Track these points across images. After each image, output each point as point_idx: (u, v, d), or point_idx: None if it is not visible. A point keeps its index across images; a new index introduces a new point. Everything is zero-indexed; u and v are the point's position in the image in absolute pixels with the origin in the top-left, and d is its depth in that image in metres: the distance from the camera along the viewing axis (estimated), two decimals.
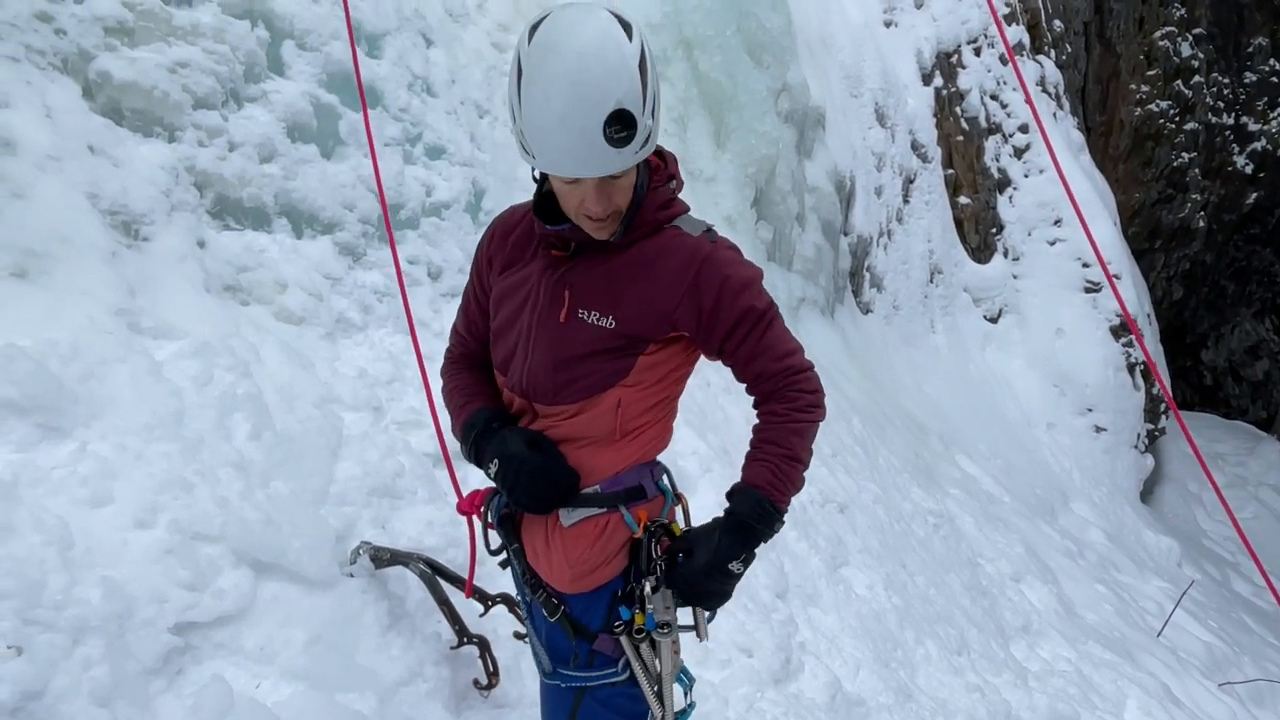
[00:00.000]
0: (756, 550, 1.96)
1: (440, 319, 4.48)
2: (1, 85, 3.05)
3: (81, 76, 3.36)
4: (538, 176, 1.93)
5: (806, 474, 1.98)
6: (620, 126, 1.64)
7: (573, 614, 2.05)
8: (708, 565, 1.91)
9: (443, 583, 3.00)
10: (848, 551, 5.80)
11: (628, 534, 2.01)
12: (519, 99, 1.69)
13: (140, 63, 3.51)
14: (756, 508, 1.90)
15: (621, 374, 1.91)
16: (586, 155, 1.67)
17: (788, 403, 1.92)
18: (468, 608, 3.00)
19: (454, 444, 2.37)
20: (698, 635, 2.05)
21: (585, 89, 1.62)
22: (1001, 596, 7.33)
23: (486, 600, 3.01)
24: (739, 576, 1.94)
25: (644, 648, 2.01)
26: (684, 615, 2.04)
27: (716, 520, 1.95)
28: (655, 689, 2.02)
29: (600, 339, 1.88)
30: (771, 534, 1.94)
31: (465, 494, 2.30)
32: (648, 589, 1.94)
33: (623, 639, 2.00)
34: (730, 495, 1.96)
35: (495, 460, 1.98)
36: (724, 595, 1.97)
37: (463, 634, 3.00)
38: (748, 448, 1.98)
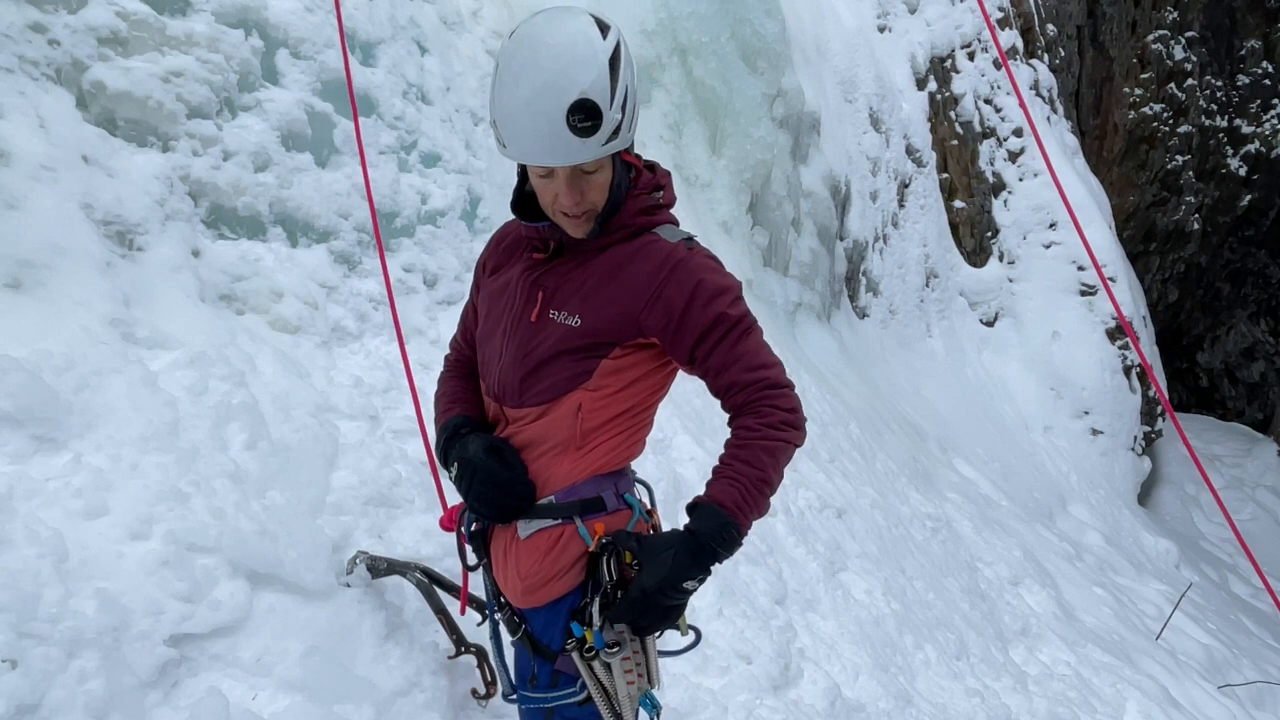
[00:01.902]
0: (713, 569, 1.85)
1: (436, 326, 4.47)
2: None
3: (75, 86, 3.35)
4: (519, 171, 1.96)
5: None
6: (584, 116, 1.68)
7: (532, 632, 2.02)
8: (660, 584, 1.79)
9: (440, 592, 2.99)
10: (846, 557, 5.79)
11: (583, 547, 1.95)
12: (493, 89, 1.76)
13: (134, 72, 3.50)
14: (721, 531, 1.79)
15: (583, 377, 1.89)
16: (551, 143, 1.71)
17: (760, 417, 1.83)
18: (466, 618, 2.99)
19: None
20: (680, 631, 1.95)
21: (550, 75, 1.67)
22: (1000, 600, 7.32)
23: (484, 610, 2.99)
24: (690, 594, 1.85)
25: (597, 667, 1.93)
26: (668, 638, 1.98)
27: (675, 534, 1.84)
28: (616, 710, 1.94)
29: (566, 338, 1.88)
30: (728, 555, 1.83)
31: (449, 507, 2.30)
32: (595, 607, 1.87)
33: (574, 656, 1.94)
34: (692, 509, 1.85)
35: (455, 465, 1.99)
36: (669, 617, 1.87)
37: (460, 643, 2.99)
38: (717, 462, 1.88)
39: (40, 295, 2.85)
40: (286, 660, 2.59)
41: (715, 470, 1.87)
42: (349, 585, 2.92)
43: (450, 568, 3.20)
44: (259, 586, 2.68)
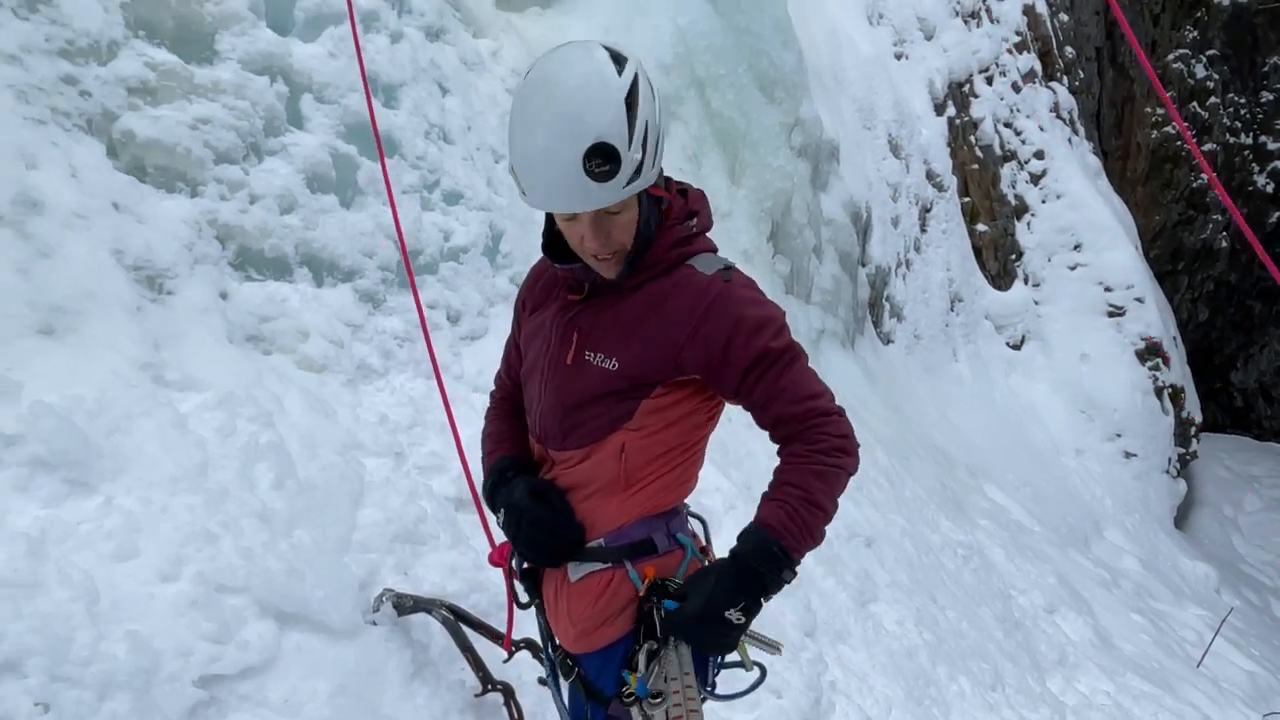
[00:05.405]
0: (762, 600, 1.77)
1: (460, 363, 4.50)
2: (28, 147, 3.12)
3: (106, 136, 3.43)
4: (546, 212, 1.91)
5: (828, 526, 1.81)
6: (601, 160, 1.61)
7: (586, 676, 1.98)
8: (699, 614, 1.75)
9: (466, 629, 2.99)
10: (876, 587, 5.72)
11: (634, 592, 1.89)
12: (510, 135, 1.72)
13: (163, 120, 3.58)
14: (762, 546, 1.73)
15: (625, 418, 1.84)
16: (569, 189, 1.65)
17: (810, 444, 1.76)
18: (492, 654, 2.98)
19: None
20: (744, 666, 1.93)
21: (565, 121, 1.61)
22: (1035, 629, 7.20)
23: (510, 646, 2.98)
24: (741, 627, 1.77)
25: (635, 714, 1.84)
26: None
27: (719, 561, 1.81)
28: None
29: (605, 381, 1.82)
30: (778, 582, 1.77)
31: (498, 543, 2.24)
32: (643, 655, 1.83)
33: (622, 703, 1.87)
34: (740, 536, 1.80)
35: (502, 510, 1.97)
36: (725, 645, 1.83)
37: (487, 681, 2.97)
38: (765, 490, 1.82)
39: (72, 341, 2.91)
40: (315, 700, 2.58)
41: (762, 497, 1.81)
42: (375, 623, 2.92)
43: (476, 604, 3.20)
44: (287, 626, 2.68)
